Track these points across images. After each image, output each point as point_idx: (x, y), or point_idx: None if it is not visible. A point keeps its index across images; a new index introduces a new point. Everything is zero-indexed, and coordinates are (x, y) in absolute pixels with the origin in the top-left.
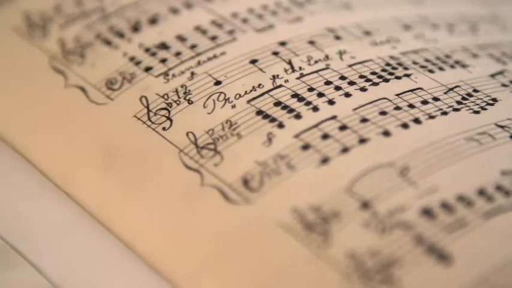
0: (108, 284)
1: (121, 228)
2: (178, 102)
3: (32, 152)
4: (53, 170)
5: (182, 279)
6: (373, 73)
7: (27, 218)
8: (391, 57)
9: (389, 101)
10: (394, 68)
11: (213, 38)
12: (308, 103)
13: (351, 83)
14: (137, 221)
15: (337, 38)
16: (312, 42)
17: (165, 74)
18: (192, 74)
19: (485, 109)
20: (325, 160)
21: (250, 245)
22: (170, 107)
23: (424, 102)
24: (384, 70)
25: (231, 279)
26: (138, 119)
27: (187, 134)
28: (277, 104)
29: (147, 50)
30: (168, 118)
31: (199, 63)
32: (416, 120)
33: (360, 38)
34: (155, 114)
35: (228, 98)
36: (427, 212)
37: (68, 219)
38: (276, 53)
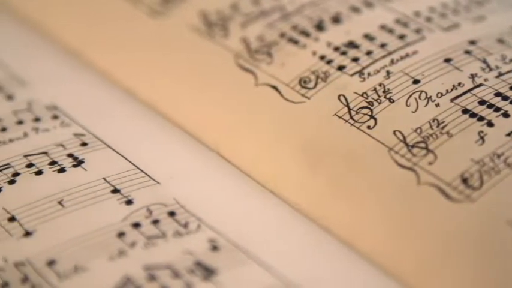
0: (335, 281)
1: (337, 227)
2: (379, 101)
3: (227, 150)
4: (254, 169)
5: (409, 278)
6: None
7: (244, 217)
8: None
9: None
10: None
11: (401, 37)
12: None
13: None
14: (352, 219)
15: None
16: (501, 41)
17: (360, 72)
18: (388, 72)
19: None
20: None
21: (478, 243)
22: (372, 105)
23: None
24: None
25: (459, 277)
26: (340, 117)
27: (394, 133)
28: (482, 102)
29: (336, 48)
30: (372, 117)
31: (392, 62)
32: None
33: None
34: (357, 112)
35: (430, 96)
36: None
37: (281, 218)
38: (468, 52)
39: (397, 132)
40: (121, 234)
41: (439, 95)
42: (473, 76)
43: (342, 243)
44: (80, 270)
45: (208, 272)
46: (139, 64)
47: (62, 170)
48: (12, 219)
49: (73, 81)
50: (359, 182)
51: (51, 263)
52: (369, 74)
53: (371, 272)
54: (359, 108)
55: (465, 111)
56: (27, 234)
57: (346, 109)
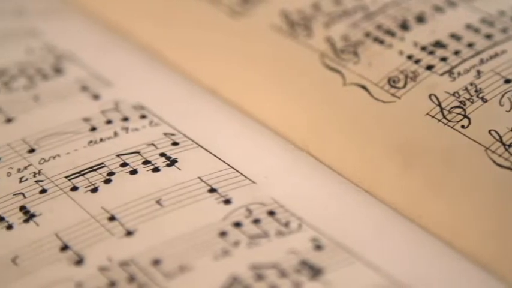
0: (442, 281)
1: (435, 227)
2: (471, 100)
3: (316, 150)
4: (345, 168)
5: None
6: None
7: (343, 216)
8: None
9: None
10: None
11: (488, 36)
12: None
13: None
14: (451, 219)
15: None
16: None
17: (450, 72)
18: (478, 72)
19: None
20: None
21: None
22: (464, 105)
23: None
24: None
25: None
26: (432, 117)
27: (489, 132)
28: None
29: (423, 48)
30: (465, 116)
31: (482, 61)
32: None
33: None
34: (450, 112)
35: None
36: None
37: (380, 217)
38: None
39: (492, 132)
40: (223, 234)
41: None
42: None
43: (442, 243)
44: (186, 269)
45: (314, 271)
46: (222, 64)
47: (156, 170)
48: (112, 218)
49: (156, 81)
50: (457, 181)
51: (156, 263)
52: (459, 74)
53: (475, 272)
54: (451, 107)
55: None
56: (129, 233)
57: (438, 108)
